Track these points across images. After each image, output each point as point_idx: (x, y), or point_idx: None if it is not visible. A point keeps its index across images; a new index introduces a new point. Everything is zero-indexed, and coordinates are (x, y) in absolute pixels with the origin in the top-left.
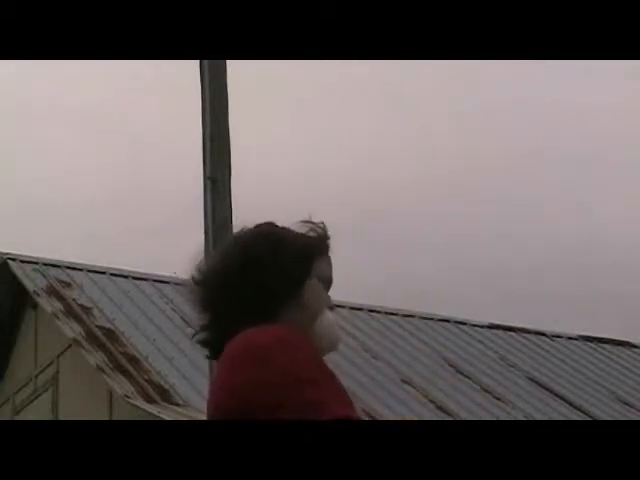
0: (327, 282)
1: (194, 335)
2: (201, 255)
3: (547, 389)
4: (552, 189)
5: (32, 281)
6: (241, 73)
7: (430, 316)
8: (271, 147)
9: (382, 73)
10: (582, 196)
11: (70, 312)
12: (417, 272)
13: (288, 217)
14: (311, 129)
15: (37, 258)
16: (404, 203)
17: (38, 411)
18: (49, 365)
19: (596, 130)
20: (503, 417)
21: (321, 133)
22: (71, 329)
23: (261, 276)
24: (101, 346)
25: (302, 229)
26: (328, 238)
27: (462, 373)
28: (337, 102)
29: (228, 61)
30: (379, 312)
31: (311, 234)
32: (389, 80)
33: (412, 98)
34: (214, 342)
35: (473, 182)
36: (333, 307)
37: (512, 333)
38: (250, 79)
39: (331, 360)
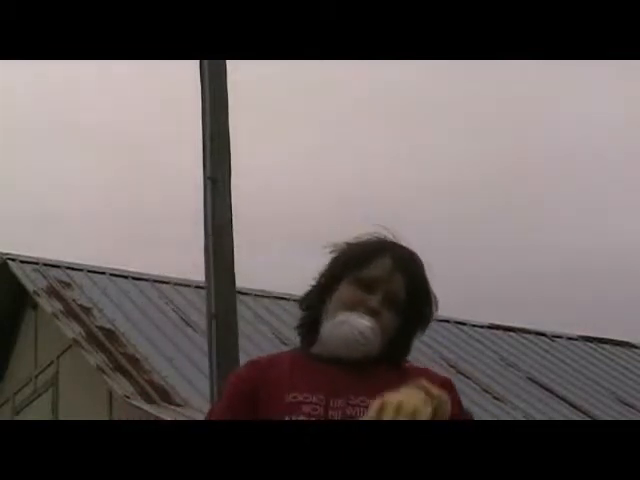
0: (365, 283)
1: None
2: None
3: (547, 389)
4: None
5: (32, 281)
6: (241, 73)
7: None
8: (271, 148)
9: (385, 78)
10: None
11: (70, 312)
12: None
13: (288, 215)
14: (312, 129)
15: (37, 258)
16: (406, 205)
17: (38, 411)
18: (49, 365)
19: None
20: (503, 417)
21: (321, 133)
22: (71, 329)
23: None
24: (101, 346)
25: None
26: (372, 248)
27: (462, 373)
28: (339, 104)
29: (228, 61)
30: None
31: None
32: (392, 84)
33: (417, 105)
34: None
35: (475, 185)
36: (366, 307)
37: (512, 333)
38: (251, 79)
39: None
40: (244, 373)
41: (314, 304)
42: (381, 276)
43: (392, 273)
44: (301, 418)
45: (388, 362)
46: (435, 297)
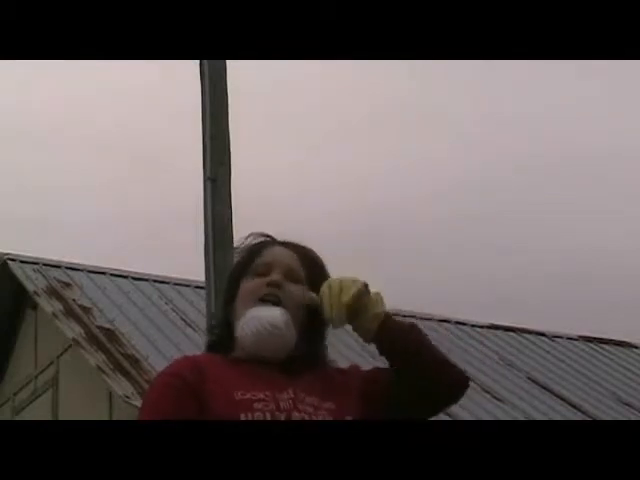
0: (261, 270)
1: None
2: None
3: (547, 389)
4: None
5: (32, 281)
6: (242, 74)
7: (430, 316)
8: (272, 148)
9: (385, 85)
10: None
11: (70, 312)
12: (418, 275)
13: (287, 216)
14: (313, 130)
15: (37, 258)
16: (406, 206)
17: (38, 411)
18: (49, 365)
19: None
20: (503, 417)
21: (322, 133)
22: (71, 329)
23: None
24: (101, 346)
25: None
26: (259, 243)
27: None
28: (340, 104)
29: (228, 61)
30: None
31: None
32: (396, 85)
33: (412, 113)
34: None
35: (476, 186)
36: (268, 284)
37: (512, 333)
38: (253, 81)
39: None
40: (177, 370)
41: (223, 314)
42: (274, 258)
43: (284, 253)
44: (257, 415)
45: (309, 356)
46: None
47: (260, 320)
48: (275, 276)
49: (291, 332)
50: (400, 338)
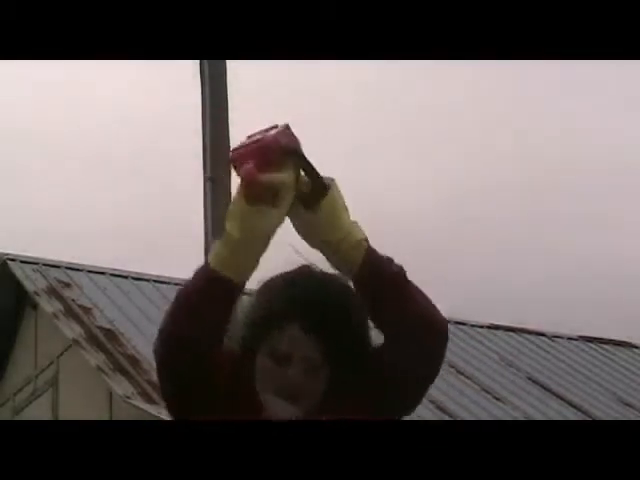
0: (281, 358)
1: None
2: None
3: (547, 389)
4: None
5: (32, 281)
6: (242, 74)
7: None
8: None
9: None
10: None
11: (70, 312)
12: (418, 275)
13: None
14: (313, 129)
15: (37, 258)
16: (408, 209)
17: (38, 411)
18: (49, 365)
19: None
20: (503, 417)
21: (322, 134)
22: (71, 329)
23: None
24: (101, 347)
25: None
26: (279, 312)
27: (462, 373)
28: (341, 104)
29: (228, 61)
30: None
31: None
32: (402, 87)
33: (405, 112)
34: None
35: (475, 191)
36: (287, 385)
37: (512, 333)
38: (252, 79)
39: None
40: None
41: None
42: (294, 351)
43: (305, 345)
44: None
45: None
46: (363, 321)
47: (277, 416)
48: (296, 378)
49: (312, 405)
50: (386, 270)
